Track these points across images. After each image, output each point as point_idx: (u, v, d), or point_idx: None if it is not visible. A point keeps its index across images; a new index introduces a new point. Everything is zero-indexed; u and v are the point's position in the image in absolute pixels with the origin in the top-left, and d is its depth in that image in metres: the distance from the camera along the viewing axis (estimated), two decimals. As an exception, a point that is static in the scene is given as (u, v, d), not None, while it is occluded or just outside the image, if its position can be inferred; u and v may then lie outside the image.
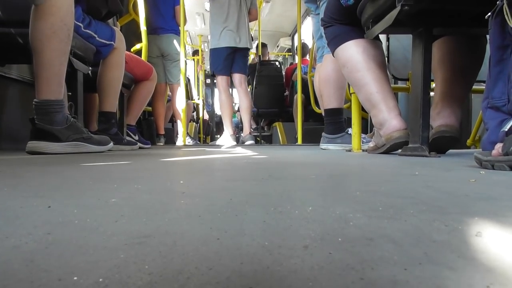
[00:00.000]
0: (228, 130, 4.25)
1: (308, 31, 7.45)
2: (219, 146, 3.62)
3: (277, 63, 6.18)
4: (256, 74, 5.82)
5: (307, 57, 5.13)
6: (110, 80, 2.33)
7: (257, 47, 6.85)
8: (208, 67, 4.72)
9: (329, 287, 0.22)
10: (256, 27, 7.12)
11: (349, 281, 0.22)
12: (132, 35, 4.15)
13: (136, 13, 3.74)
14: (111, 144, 2.08)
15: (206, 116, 8.47)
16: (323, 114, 2.79)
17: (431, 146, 1.56)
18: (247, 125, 4.40)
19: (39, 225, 0.35)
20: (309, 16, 6.57)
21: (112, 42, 2.28)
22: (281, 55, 9.50)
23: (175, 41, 4.15)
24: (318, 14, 2.76)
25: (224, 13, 4.06)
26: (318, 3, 2.75)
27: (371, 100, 1.75)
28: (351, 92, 2.22)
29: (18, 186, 0.63)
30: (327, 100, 2.60)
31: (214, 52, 4.16)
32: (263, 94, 5.85)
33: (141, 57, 3.41)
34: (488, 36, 1.42)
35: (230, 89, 4.48)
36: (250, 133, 4.39)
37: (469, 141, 2.97)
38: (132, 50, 3.66)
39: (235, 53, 4.15)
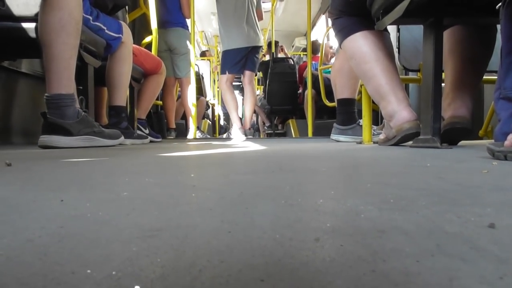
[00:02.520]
0: (236, 124, 4.29)
1: (321, 29, 7.42)
2: (228, 139, 3.63)
3: (290, 60, 6.14)
4: (269, 71, 5.78)
5: (318, 54, 5.11)
6: (118, 74, 2.34)
7: (269, 45, 6.82)
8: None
9: (340, 279, 0.22)
10: (270, 27, 7.09)
11: (361, 273, 0.22)
12: (142, 30, 4.16)
13: (147, 7, 3.73)
14: (122, 137, 2.09)
15: (222, 121, 8.54)
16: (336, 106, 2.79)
17: (443, 138, 1.55)
18: (248, 120, 4.52)
19: (52, 218, 0.36)
20: (323, 14, 6.53)
21: (120, 35, 2.28)
22: (296, 54, 9.46)
23: (181, 35, 4.14)
24: None
25: (232, 13, 4.06)
26: None
27: (380, 92, 1.74)
28: (361, 84, 2.20)
29: (30, 180, 0.63)
30: (340, 90, 2.59)
31: (226, 53, 4.17)
32: (276, 91, 5.81)
33: (150, 51, 3.41)
34: (498, 26, 1.40)
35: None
36: (249, 128, 4.53)
37: (481, 132, 2.94)
38: (142, 43, 3.67)
39: (248, 53, 4.17)
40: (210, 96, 7.47)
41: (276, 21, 6.94)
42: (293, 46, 9.77)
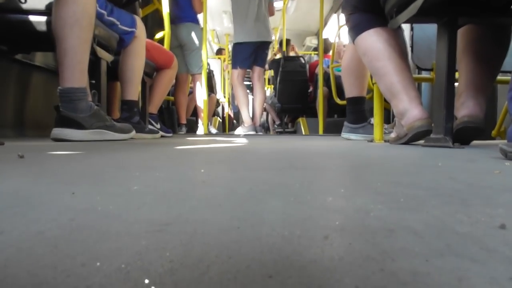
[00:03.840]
0: (246, 120, 4.32)
1: (333, 29, 7.39)
2: (239, 136, 3.64)
3: (301, 59, 6.13)
4: (280, 69, 5.78)
5: (330, 52, 5.10)
6: (131, 68, 2.35)
7: (281, 43, 6.81)
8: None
9: (349, 277, 0.21)
10: (281, 25, 7.07)
11: (369, 272, 0.22)
12: (155, 25, 4.17)
13: (160, 2, 3.74)
14: (134, 132, 2.10)
15: (231, 114, 8.55)
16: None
17: (455, 137, 1.54)
18: (258, 116, 4.55)
19: (63, 211, 0.36)
20: (334, 13, 6.51)
21: (134, 29, 2.29)
22: (307, 54, 9.41)
23: (191, 30, 4.14)
24: None
25: (245, 8, 4.08)
26: None
27: (392, 90, 1.73)
28: (373, 82, 2.19)
29: (42, 172, 0.64)
30: (348, 89, 2.58)
31: (238, 46, 4.20)
32: (287, 90, 5.81)
33: (163, 46, 3.42)
34: None
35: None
36: (260, 124, 4.58)
37: (494, 132, 2.92)
38: (154, 38, 3.68)
39: (258, 47, 4.19)
40: (220, 94, 7.48)
41: (287, 20, 6.92)
42: (304, 46, 9.72)
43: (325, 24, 7.24)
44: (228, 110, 8.35)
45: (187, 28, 4.11)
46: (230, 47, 8.91)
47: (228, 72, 8.67)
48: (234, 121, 9.24)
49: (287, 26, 7.02)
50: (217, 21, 8.09)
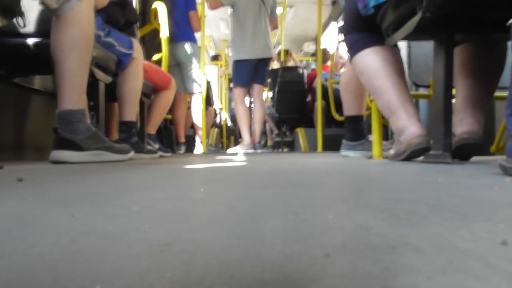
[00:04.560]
0: (245, 138, 4.32)
1: (332, 36, 7.46)
2: (238, 154, 3.64)
3: (299, 69, 6.17)
4: (278, 79, 5.81)
5: (328, 63, 5.12)
6: (129, 90, 2.35)
7: (279, 53, 6.85)
8: (231, 71, 4.77)
9: (351, 295, 0.21)
10: (279, 32, 7.12)
11: (372, 290, 0.22)
12: (153, 45, 4.19)
13: (157, 22, 3.76)
14: (132, 152, 2.10)
15: (229, 122, 8.52)
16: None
17: (454, 153, 1.54)
18: (257, 134, 4.52)
19: (63, 233, 0.36)
20: (333, 21, 6.56)
21: (131, 51, 2.31)
22: (304, 59, 9.43)
23: (188, 49, 4.13)
24: None
25: (245, 24, 4.08)
26: None
27: (390, 107, 1.74)
28: (371, 99, 2.20)
29: (42, 195, 0.64)
30: (347, 107, 2.59)
31: (238, 64, 4.20)
32: (285, 100, 5.83)
33: (160, 66, 3.44)
34: (510, 43, 1.40)
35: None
36: (258, 142, 4.55)
37: (492, 148, 2.92)
38: (151, 60, 3.70)
39: (258, 64, 4.19)
40: (217, 102, 7.48)
41: (285, 26, 6.97)
42: (301, 51, 9.77)
43: (323, 30, 7.29)
44: (225, 118, 8.30)
45: (185, 47, 4.12)
46: (226, 51, 8.94)
47: (225, 78, 8.69)
48: (232, 123, 9.19)
49: (285, 31, 7.08)
50: (214, 27, 8.11)
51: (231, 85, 7.14)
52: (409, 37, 1.58)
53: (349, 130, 2.61)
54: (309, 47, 9.27)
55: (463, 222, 0.39)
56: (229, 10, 4.25)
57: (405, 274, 0.24)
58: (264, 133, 7.60)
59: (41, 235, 0.36)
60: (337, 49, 4.77)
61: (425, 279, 0.23)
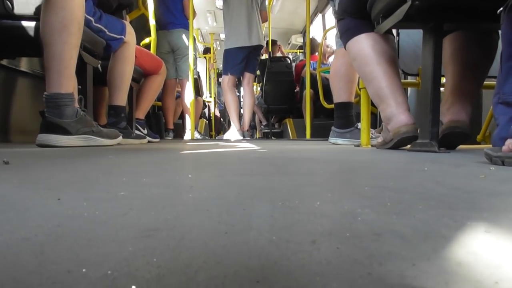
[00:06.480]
0: (235, 125, 4.33)
1: (318, 28, 7.43)
2: (226, 141, 3.64)
3: (287, 59, 6.15)
4: (266, 70, 5.79)
5: (316, 53, 5.12)
6: (120, 74, 2.34)
7: (267, 44, 6.83)
8: (221, 66, 4.75)
9: (336, 281, 0.22)
10: (267, 24, 7.08)
11: (357, 276, 0.22)
12: (141, 30, 4.15)
13: (145, 8, 3.74)
14: (120, 137, 2.09)
15: (218, 113, 8.52)
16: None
17: (441, 142, 1.55)
18: (247, 122, 4.58)
19: (49, 217, 0.36)
20: (319, 13, 6.54)
21: (122, 36, 2.29)
22: (292, 52, 9.40)
23: (184, 36, 4.14)
24: None
25: (236, 13, 4.09)
26: None
27: (380, 95, 1.74)
28: (360, 87, 2.21)
29: (28, 178, 0.63)
30: (337, 94, 2.60)
31: (231, 52, 4.18)
32: (273, 91, 5.82)
33: (150, 51, 3.42)
34: (500, 31, 1.41)
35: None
36: (248, 130, 4.61)
37: (479, 137, 2.95)
38: (141, 44, 3.67)
39: (251, 53, 4.19)
40: (206, 95, 7.48)
41: (272, 19, 6.93)
42: (289, 44, 9.74)
43: (311, 23, 7.28)
44: (214, 110, 8.33)
45: (180, 33, 4.12)
46: (215, 45, 8.91)
47: (214, 71, 8.67)
48: (221, 119, 9.22)
49: (272, 24, 7.04)
50: (201, 21, 8.05)
51: (220, 79, 7.12)
52: (398, 26, 1.58)
53: (338, 117, 2.62)
54: (297, 39, 9.23)
55: (448, 210, 0.39)
56: (217, 1, 4.23)
57: (390, 261, 0.24)
58: (253, 127, 7.61)
59: (26, 218, 0.35)
60: (325, 38, 4.77)
61: (410, 266, 0.24)
